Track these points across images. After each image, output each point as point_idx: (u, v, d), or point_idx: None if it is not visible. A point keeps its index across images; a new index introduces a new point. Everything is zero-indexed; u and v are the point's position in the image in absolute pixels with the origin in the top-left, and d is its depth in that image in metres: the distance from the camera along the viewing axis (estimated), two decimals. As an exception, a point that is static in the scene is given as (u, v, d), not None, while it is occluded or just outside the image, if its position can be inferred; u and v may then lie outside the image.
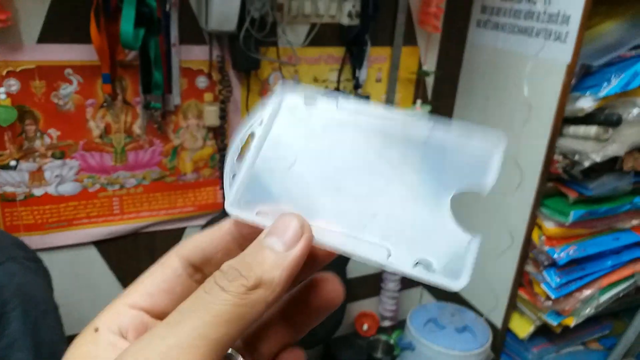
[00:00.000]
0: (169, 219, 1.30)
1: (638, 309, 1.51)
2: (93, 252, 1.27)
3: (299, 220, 0.24)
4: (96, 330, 0.24)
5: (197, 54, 1.19)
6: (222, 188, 0.31)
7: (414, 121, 0.27)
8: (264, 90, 1.30)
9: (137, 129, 1.19)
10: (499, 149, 0.26)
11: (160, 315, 0.26)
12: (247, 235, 0.27)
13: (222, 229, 0.27)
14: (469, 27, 1.50)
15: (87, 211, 1.21)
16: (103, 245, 1.27)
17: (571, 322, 1.41)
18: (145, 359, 0.20)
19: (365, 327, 1.68)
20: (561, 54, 1.24)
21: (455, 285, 0.24)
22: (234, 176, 0.28)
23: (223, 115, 1.22)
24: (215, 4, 1.08)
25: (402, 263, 0.25)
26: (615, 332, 1.64)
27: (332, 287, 0.28)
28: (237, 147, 0.29)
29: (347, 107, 0.28)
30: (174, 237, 1.33)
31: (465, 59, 1.54)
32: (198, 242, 0.27)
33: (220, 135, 1.25)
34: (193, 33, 1.17)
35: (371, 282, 1.72)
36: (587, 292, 1.41)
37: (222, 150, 1.26)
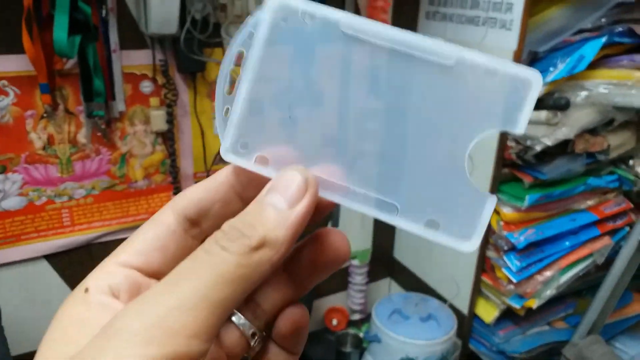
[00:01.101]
0: (123, 228, 1.28)
1: (599, 287, 1.55)
2: (45, 267, 1.24)
3: (303, 174, 0.23)
4: (86, 290, 0.22)
5: (140, 59, 1.16)
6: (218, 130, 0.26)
7: (434, 47, 0.23)
8: (213, 92, 1.28)
9: (82, 138, 1.16)
10: (535, 88, 0.22)
11: (154, 275, 0.24)
12: (246, 183, 0.25)
13: (218, 178, 0.25)
14: (419, 20, 1.50)
15: (35, 225, 1.18)
16: (55, 259, 1.24)
17: (533, 304, 1.43)
18: (142, 322, 0.19)
19: (334, 322, 1.68)
20: (507, 41, 1.25)
21: (465, 247, 0.23)
22: (226, 112, 0.24)
23: (170, 120, 1.20)
24: (153, 7, 1.06)
25: (411, 221, 0.23)
26: (579, 310, 1.67)
27: (337, 239, 0.26)
28: (226, 74, 0.24)
29: (354, 26, 0.23)
30: (130, 246, 1.30)
31: (416, 50, 1.54)
32: (193, 194, 0.25)
33: (169, 140, 1.23)
34: (134, 37, 1.14)
35: (339, 277, 1.72)
36: (547, 274, 1.43)
37: (172, 155, 1.24)
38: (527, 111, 0.22)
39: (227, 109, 0.24)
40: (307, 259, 0.27)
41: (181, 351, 0.19)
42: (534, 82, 0.22)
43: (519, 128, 0.22)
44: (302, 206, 0.22)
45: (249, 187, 0.25)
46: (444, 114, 0.23)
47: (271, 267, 0.21)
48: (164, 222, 0.25)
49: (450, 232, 0.23)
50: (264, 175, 0.24)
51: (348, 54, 0.23)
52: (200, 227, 0.25)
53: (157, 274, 0.24)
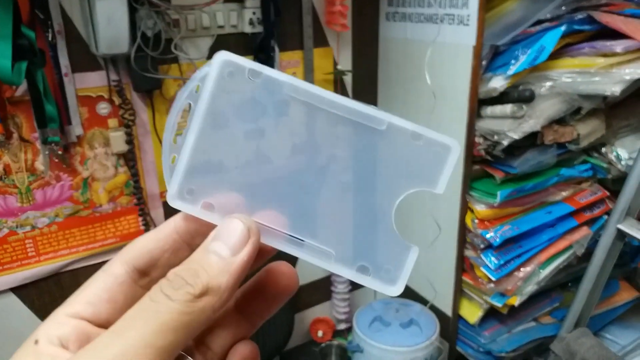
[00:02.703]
0: (91, 254, 1.25)
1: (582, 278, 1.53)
2: (12, 300, 1.21)
3: (245, 223, 0.24)
4: (36, 342, 0.23)
5: (94, 81, 1.14)
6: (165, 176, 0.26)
7: (369, 112, 0.25)
8: (173, 109, 1.26)
9: (40, 165, 1.14)
10: (454, 153, 0.25)
11: (103, 325, 0.24)
12: (194, 231, 0.26)
13: (167, 227, 0.26)
14: (379, 22, 1.50)
15: (-2, 258, 1.16)
16: (23, 291, 1.21)
17: (515, 301, 1.41)
18: None
19: (320, 333, 1.65)
20: (465, 37, 1.24)
21: (391, 290, 0.25)
22: (173, 160, 0.25)
23: (130, 140, 1.18)
24: (101, 28, 1.04)
25: (344, 267, 0.25)
26: (565, 303, 1.65)
27: (285, 273, 0.28)
28: (174, 124, 0.26)
29: (295, 86, 0.25)
30: (100, 271, 1.27)
31: (380, 54, 1.53)
32: (142, 244, 0.26)
33: (130, 160, 1.21)
34: (87, 59, 1.13)
35: (322, 287, 1.69)
36: (527, 269, 1.41)
37: (134, 175, 1.22)
38: (447, 174, 0.25)
39: (174, 157, 0.25)
40: (256, 295, 0.28)
41: None
42: (453, 148, 0.25)
43: (439, 189, 0.25)
44: (244, 254, 0.23)
45: (197, 235, 0.25)
46: (376, 172, 0.25)
47: (214, 312, 0.22)
48: (113, 273, 0.26)
49: (378, 277, 0.25)
50: (209, 221, 0.25)
51: (290, 112, 0.25)
52: (149, 277, 0.26)
53: (106, 324, 0.24)
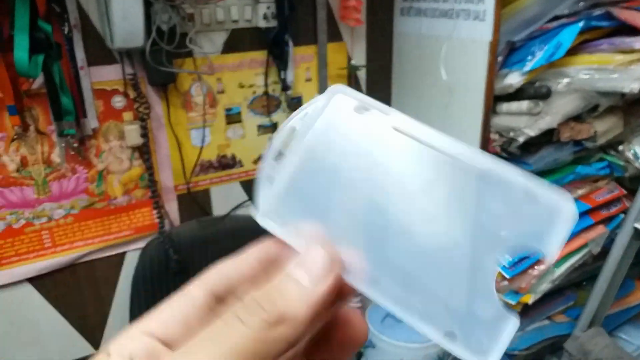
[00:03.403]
0: (106, 246, 1.26)
1: (598, 277, 1.51)
2: (29, 290, 1.22)
3: (330, 254, 0.23)
4: (108, 355, 0.23)
5: (109, 74, 1.15)
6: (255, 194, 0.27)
7: (473, 155, 0.23)
8: (187, 102, 1.27)
9: (56, 158, 1.15)
10: (569, 216, 0.22)
11: (174, 346, 0.24)
12: (275, 258, 0.25)
13: (250, 255, 0.26)
14: (394, 17, 1.49)
15: (15, 249, 1.17)
16: (39, 281, 1.23)
17: (529, 299, 1.40)
18: None
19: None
20: (482, 32, 1.23)
21: None
22: (270, 180, 0.25)
23: (145, 133, 1.19)
24: (117, 22, 1.05)
25: (431, 328, 0.23)
26: (579, 302, 1.64)
27: (356, 323, 0.26)
28: (277, 145, 0.26)
29: (402, 126, 0.24)
30: (114, 263, 1.29)
31: (395, 49, 1.52)
32: (223, 270, 0.26)
33: (145, 153, 1.22)
34: (102, 53, 1.13)
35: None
36: (541, 268, 1.40)
37: (149, 169, 1.22)
38: (558, 240, 0.22)
39: (272, 176, 0.25)
40: (326, 342, 0.26)
41: None
42: (566, 212, 0.22)
43: (550, 256, 0.22)
44: (325, 285, 0.22)
45: (278, 263, 0.25)
46: (479, 224, 0.23)
47: (288, 345, 0.21)
48: (191, 295, 0.25)
49: (467, 345, 0.22)
50: (293, 245, 0.24)
51: (394, 147, 0.24)
52: (226, 304, 0.25)
53: (176, 345, 0.24)
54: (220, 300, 0.25)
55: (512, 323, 0.22)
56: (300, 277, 0.22)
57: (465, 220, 0.23)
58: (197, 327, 0.24)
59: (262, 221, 0.25)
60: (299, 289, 0.22)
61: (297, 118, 0.26)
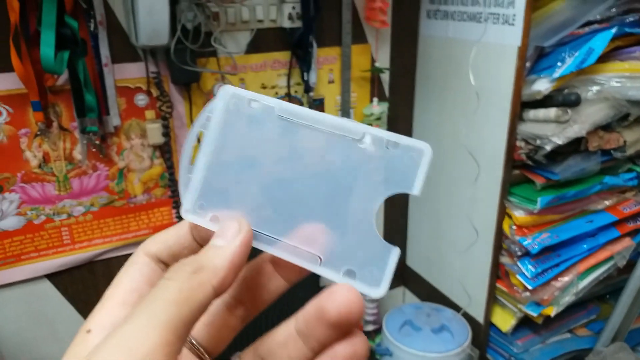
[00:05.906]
0: (124, 244, 1.26)
1: (622, 290, 1.47)
2: (47, 286, 1.22)
3: (239, 222, 0.27)
4: (88, 331, 0.26)
5: (133, 72, 1.15)
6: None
7: (346, 125, 0.28)
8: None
9: (77, 154, 1.15)
10: (427, 156, 0.27)
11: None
12: (206, 237, 0.29)
13: (186, 226, 0.30)
14: (420, 19, 1.47)
15: (35, 244, 1.17)
16: (57, 278, 1.23)
17: (551, 311, 1.36)
18: (110, 352, 0.22)
19: (347, 334, 1.63)
20: (511, 37, 1.20)
21: (376, 292, 0.27)
22: (188, 180, 0.29)
23: (166, 132, 1.18)
24: (142, 19, 1.04)
25: (332, 271, 0.27)
26: (602, 315, 1.60)
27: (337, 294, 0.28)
28: (189, 149, 0.29)
29: (286, 111, 0.29)
30: (132, 262, 1.28)
31: (419, 52, 1.50)
32: (164, 238, 0.30)
33: (166, 152, 1.21)
34: (127, 50, 1.13)
35: (350, 288, 1.67)
36: (564, 279, 1.36)
37: (170, 168, 1.22)
38: (422, 176, 0.27)
39: (189, 177, 0.29)
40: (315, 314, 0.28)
41: None
42: (426, 151, 0.27)
43: (416, 191, 0.27)
44: (236, 241, 0.26)
45: (207, 240, 0.28)
46: (357, 179, 0.28)
47: (213, 290, 0.24)
48: (137, 262, 0.29)
49: (364, 280, 0.27)
50: (214, 230, 0.28)
51: (281, 131, 0.29)
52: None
53: None
54: (166, 265, 0.29)
55: (395, 252, 0.27)
56: (217, 242, 0.26)
57: (344, 176, 0.28)
58: (147, 289, 0.28)
59: (187, 217, 0.29)
60: (216, 249, 0.26)
61: (200, 122, 0.29)
